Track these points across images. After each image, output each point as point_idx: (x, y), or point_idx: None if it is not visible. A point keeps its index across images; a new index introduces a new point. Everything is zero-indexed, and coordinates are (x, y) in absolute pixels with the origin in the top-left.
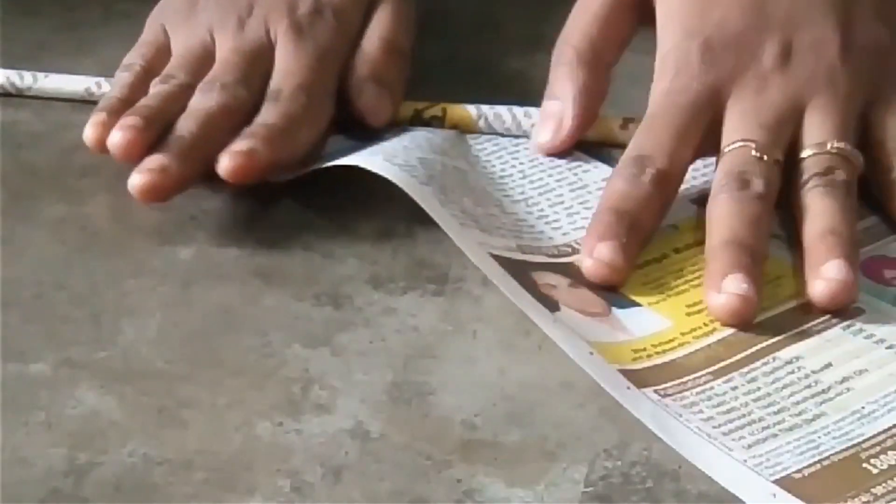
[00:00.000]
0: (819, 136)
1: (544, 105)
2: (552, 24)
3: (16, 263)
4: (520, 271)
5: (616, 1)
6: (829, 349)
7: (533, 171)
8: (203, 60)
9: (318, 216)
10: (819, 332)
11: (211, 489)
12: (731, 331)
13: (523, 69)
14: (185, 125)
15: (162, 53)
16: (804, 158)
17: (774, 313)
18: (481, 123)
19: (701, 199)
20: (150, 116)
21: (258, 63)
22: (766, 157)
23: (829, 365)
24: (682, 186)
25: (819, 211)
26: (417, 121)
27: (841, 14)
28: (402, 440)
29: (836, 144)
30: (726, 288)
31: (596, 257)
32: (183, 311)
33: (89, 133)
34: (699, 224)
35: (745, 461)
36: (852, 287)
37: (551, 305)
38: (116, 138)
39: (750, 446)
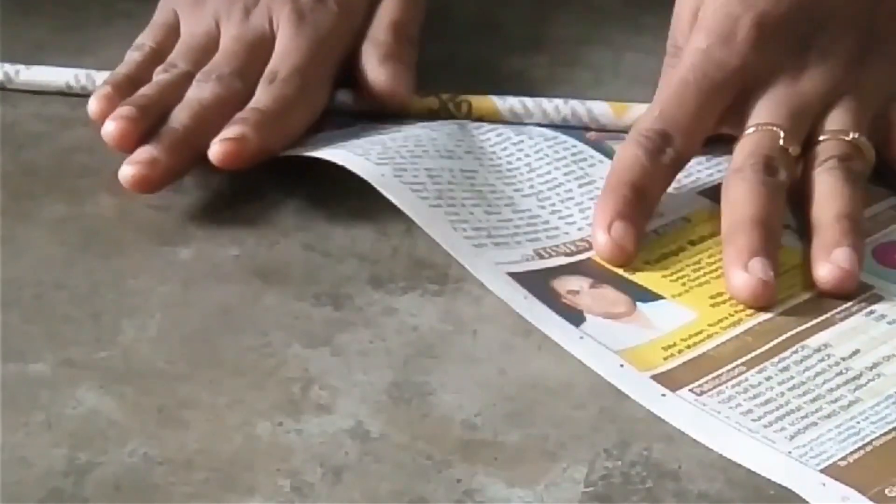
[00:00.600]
0: (838, 126)
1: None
2: (552, 24)
3: (16, 263)
4: (541, 284)
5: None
6: (855, 336)
7: (539, 163)
8: (206, 49)
9: (318, 216)
10: (842, 319)
11: (211, 489)
12: (757, 320)
13: (523, 69)
14: (179, 117)
15: (172, 35)
16: (821, 142)
17: (796, 302)
18: (506, 114)
19: (708, 192)
20: (145, 106)
21: (258, 52)
22: (791, 150)
23: (857, 352)
24: (689, 179)
25: (836, 193)
26: (445, 113)
27: (871, 17)
28: (402, 440)
29: (854, 135)
30: (753, 270)
31: (613, 236)
32: (183, 311)
33: (93, 105)
34: (711, 216)
35: (790, 452)
36: (857, 278)
37: (576, 318)
38: (110, 128)
39: (792, 437)
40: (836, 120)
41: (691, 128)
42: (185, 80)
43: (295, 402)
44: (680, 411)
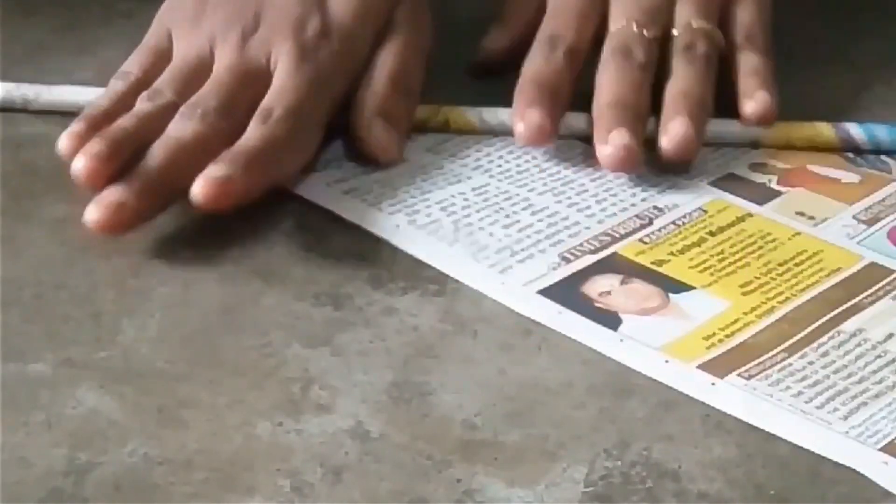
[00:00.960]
0: (685, 18)
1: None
2: None
3: (16, 263)
4: (572, 292)
5: None
6: (886, 320)
7: (548, 163)
8: (197, 75)
9: (318, 216)
10: (870, 303)
11: (211, 489)
12: (789, 307)
13: None
14: (155, 155)
15: (162, 60)
16: (673, 37)
17: (823, 289)
18: (482, 127)
19: (719, 182)
20: (119, 142)
21: (250, 86)
22: (645, 33)
23: (891, 335)
24: (699, 170)
25: (677, 76)
26: (424, 130)
27: None
28: (402, 440)
29: (697, 22)
30: (612, 140)
31: (527, 121)
32: (183, 311)
33: (63, 143)
34: (726, 206)
35: (847, 432)
36: (694, 142)
37: (612, 321)
38: (79, 165)
39: (846, 417)
40: (684, 12)
41: (574, 25)
42: (169, 111)
43: (295, 402)
44: (732, 398)
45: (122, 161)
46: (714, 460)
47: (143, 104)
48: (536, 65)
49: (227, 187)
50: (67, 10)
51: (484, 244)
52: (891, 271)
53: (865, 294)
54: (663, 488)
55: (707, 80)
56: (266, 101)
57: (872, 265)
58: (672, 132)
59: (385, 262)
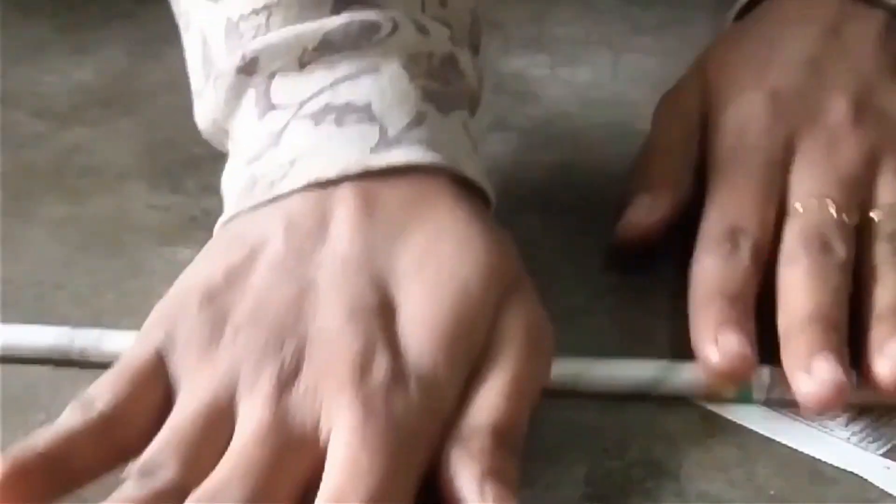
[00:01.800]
0: (892, 195)
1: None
2: (552, 23)
3: (16, 263)
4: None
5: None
6: None
7: None
8: (209, 439)
9: None
10: None
11: None
12: None
13: (523, 69)
14: None
15: (151, 392)
16: (877, 221)
17: None
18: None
19: None
20: None
21: (293, 461)
22: (846, 219)
23: None
24: None
25: (891, 281)
26: None
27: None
28: None
29: None
30: (818, 373)
31: (725, 348)
32: None
33: None
34: None
35: (848, 439)
36: None
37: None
38: None
39: (847, 424)
40: (889, 183)
41: (757, 213)
42: (170, 499)
43: None
44: (731, 403)
45: None
46: (714, 460)
47: (133, 488)
48: (718, 268)
49: None
50: (67, 9)
51: None
52: None
53: None
54: (663, 488)
55: None
56: (332, 491)
57: None
58: (892, 357)
59: None
